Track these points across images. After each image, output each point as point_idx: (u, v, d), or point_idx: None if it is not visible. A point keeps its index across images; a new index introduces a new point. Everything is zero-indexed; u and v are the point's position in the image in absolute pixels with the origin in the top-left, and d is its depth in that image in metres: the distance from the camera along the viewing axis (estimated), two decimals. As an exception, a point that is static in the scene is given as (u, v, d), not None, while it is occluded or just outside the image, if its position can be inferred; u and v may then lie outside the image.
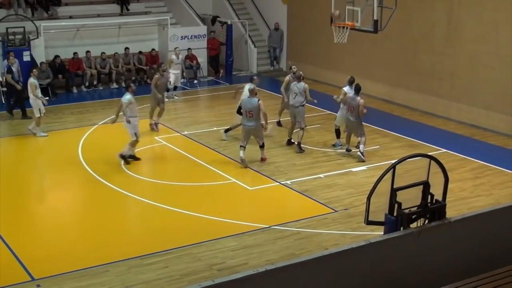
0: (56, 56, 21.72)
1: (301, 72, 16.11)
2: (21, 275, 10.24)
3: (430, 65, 19.40)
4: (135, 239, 11.77)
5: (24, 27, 21.21)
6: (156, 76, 17.55)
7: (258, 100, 14.67)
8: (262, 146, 15.08)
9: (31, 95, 16.73)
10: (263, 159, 15.17)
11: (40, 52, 21.62)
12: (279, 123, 17.42)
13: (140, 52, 23.36)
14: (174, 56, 21.11)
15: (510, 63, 17.04)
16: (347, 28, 16.31)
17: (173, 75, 20.72)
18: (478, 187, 13.92)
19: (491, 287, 7.77)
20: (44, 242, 11.61)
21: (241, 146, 14.91)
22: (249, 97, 14.90)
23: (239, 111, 15.59)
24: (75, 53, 21.89)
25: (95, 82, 22.30)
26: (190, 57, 23.49)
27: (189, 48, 23.52)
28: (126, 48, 22.95)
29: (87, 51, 22.21)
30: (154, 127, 17.43)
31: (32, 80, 16.73)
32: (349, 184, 13.99)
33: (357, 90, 15.09)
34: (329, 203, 13.01)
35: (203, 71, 24.01)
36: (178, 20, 25.19)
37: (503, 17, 17.16)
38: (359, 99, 14.95)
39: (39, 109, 16.64)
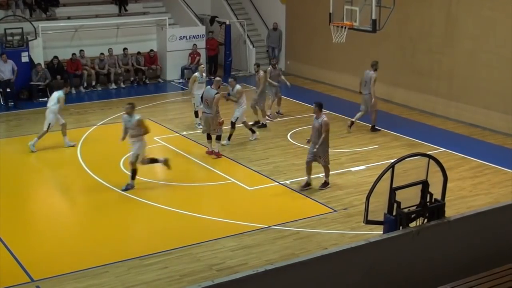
0: (55, 57, 21.69)
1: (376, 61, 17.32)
2: (20, 276, 10.24)
3: (428, 64, 19.39)
4: (134, 239, 11.77)
5: (22, 28, 21.17)
6: (268, 68, 18.58)
7: (216, 93, 15.19)
8: (217, 139, 15.53)
9: (53, 108, 15.86)
10: (214, 153, 15.47)
11: (38, 53, 21.59)
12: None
13: (139, 53, 23.34)
14: (197, 74, 17.69)
15: (509, 62, 17.04)
16: (345, 27, 16.35)
17: (198, 95, 17.08)
18: (477, 186, 13.92)
19: (490, 286, 7.78)
20: (43, 243, 11.60)
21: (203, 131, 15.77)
22: (211, 87, 15.48)
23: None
24: (73, 54, 21.87)
25: (93, 83, 22.29)
26: (195, 53, 23.51)
27: (194, 44, 23.56)
28: (125, 49, 22.93)
29: (81, 50, 22.13)
30: (273, 117, 18.43)
31: (60, 95, 15.87)
32: (348, 183, 14.00)
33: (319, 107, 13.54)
34: (328, 202, 13.01)
35: (202, 71, 23.97)
36: (177, 20, 25.17)
37: (502, 16, 17.16)
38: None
39: (49, 124, 15.81)
